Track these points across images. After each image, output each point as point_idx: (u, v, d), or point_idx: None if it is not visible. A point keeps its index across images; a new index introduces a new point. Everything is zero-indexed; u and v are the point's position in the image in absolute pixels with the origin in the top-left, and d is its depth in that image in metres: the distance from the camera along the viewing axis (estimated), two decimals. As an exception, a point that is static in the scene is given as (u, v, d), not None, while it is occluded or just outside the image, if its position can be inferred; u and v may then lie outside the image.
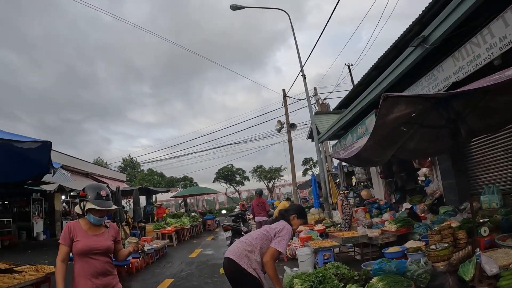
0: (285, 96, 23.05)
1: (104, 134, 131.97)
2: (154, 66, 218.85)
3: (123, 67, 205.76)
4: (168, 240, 13.37)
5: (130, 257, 8.71)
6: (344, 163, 15.66)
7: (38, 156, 5.15)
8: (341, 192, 10.76)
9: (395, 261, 5.18)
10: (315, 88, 24.66)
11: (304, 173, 50.56)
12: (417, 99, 4.25)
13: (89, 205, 2.89)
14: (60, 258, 2.80)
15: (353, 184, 17.02)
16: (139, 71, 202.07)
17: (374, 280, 4.51)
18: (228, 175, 51.57)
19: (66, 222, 17.68)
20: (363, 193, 13.49)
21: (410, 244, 6.20)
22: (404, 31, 7.62)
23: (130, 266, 8.62)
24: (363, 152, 5.84)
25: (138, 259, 8.99)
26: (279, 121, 22.91)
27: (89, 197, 2.92)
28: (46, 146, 4.88)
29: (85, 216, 2.96)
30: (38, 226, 17.53)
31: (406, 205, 8.80)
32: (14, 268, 5.92)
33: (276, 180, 53.17)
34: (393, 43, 8.20)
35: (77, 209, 3.01)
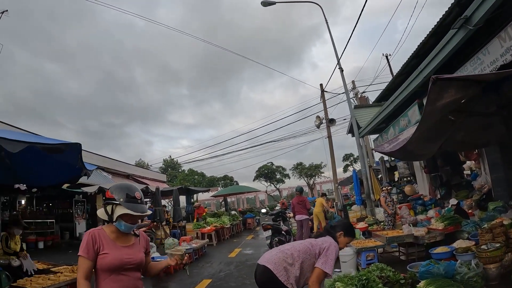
0: (322, 91, 22.63)
1: (145, 136, 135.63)
2: (190, 68, 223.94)
3: (160, 71, 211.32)
4: (207, 240, 13.34)
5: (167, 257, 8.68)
6: (386, 158, 15.15)
7: (70, 158, 5.15)
8: (384, 188, 10.32)
9: (443, 262, 4.81)
10: (353, 82, 24.05)
11: (345, 169, 49.59)
12: (468, 82, 3.84)
13: (121, 210, 2.38)
14: (82, 275, 2.26)
15: (396, 179, 16.42)
16: (176, 74, 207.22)
17: (421, 284, 4.21)
18: (268, 173, 51.50)
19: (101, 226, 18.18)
20: (407, 189, 12.98)
21: (459, 244, 5.79)
22: (443, 15, 7.20)
23: (168, 266, 8.55)
24: (408, 145, 5.52)
25: (177, 259, 8.95)
26: (318, 116, 22.51)
27: (121, 200, 2.40)
28: (76, 149, 4.86)
29: (113, 223, 2.44)
30: (81, 227, 18.17)
31: (453, 201, 8.29)
32: (51, 269, 5.98)
33: (316, 177, 52.65)
34: (432, 28, 7.81)
35: (100, 213, 2.51)
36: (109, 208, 2.45)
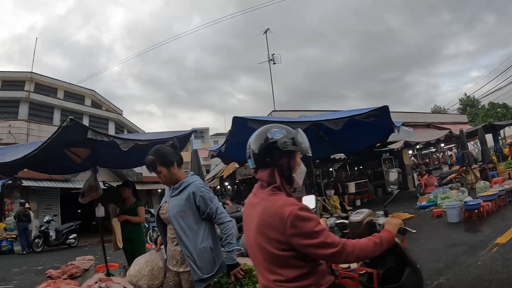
0: None
1: (429, 80, 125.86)
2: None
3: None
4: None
5: (481, 200, 8.58)
6: None
7: (382, 120, 6.16)
8: None
9: None
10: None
11: None
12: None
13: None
14: None
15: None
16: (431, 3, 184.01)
17: None
18: None
19: (419, 174, 17.59)
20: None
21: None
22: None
23: (481, 209, 8.27)
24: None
25: (489, 202, 8.79)
26: None
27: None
28: (385, 111, 5.90)
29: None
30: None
31: None
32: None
33: None
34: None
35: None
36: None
